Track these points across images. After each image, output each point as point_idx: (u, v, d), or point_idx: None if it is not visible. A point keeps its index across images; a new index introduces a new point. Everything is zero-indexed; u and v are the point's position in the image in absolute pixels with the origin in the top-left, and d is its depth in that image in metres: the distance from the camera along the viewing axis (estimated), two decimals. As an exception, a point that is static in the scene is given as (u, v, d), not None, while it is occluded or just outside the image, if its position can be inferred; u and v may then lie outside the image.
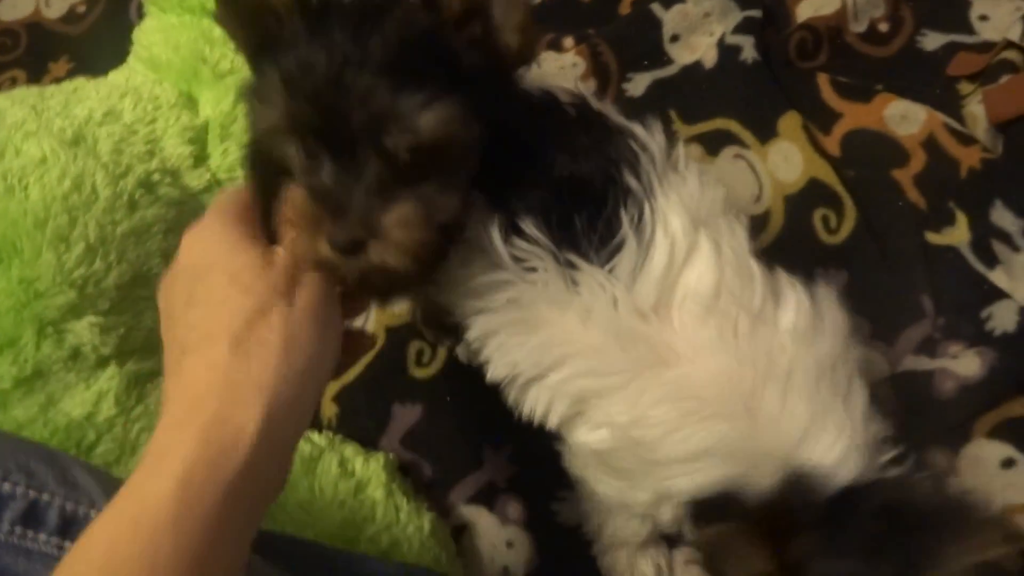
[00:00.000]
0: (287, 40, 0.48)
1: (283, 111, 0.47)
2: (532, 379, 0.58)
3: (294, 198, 0.48)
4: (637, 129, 0.60)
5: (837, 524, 0.49)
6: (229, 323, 0.43)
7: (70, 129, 0.85)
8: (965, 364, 0.79)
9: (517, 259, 0.55)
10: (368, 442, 0.84)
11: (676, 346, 0.53)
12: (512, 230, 0.55)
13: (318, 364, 0.46)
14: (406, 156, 0.46)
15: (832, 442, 0.51)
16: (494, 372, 0.60)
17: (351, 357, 0.64)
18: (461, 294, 0.61)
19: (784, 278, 0.57)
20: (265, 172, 0.52)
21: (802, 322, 0.54)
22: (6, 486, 0.50)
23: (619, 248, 0.54)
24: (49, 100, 0.90)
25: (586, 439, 0.59)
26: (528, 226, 0.54)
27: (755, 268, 0.56)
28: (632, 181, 0.55)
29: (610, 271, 0.54)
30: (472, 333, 0.61)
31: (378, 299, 0.59)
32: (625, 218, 0.54)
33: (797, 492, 0.50)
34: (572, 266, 0.54)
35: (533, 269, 0.55)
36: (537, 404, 0.59)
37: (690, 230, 0.54)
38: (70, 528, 0.50)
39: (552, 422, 0.59)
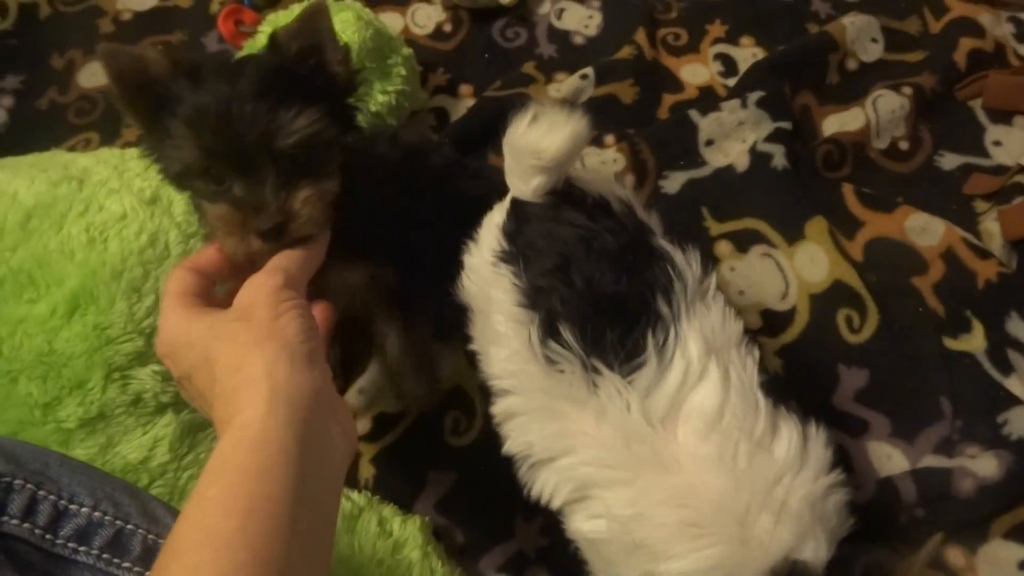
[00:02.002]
0: (176, 96, 0.61)
1: (195, 147, 0.60)
2: (543, 461, 0.63)
3: (216, 214, 0.61)
4: (677, 256, 0.67)
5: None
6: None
7: (148, 189, 0.91)
8: (983, 465, 0.82)
9: (550, 359, 0.61)
10: (403, 505, 0.86)
11: (679, 456, 0.57)
12: (550, 332, 0.62)
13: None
14: (291, 154, 0.61)
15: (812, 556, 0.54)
16: (509, 447, 0.66)
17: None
18: (495, 375, 0.68)
19: (783, 412, 0.61)
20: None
21: (794, 455, 0.58)
22: (96, 514, 0.53)
23: (641, 365, 0.59)
24: (129, 162, 0.96)
25: (582, 527, 0.62)
26: (565, 332, 0.61)
27: (760, 399, 0.60)
28: (664, 308, 0.62)
29: (630, 382, 0.59)
30: (496, 408, 0.67)
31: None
32: (651, 341, 0.60)
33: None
34: (596, 371, 0.60)
35: (562, 370, 0.61)
36: (545, 485, 0.63)
37: (704, 356, 0.60)
38: (150, 558, 0.53)
39: (556, 504, 0.63)
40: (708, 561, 0.54)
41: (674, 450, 0.57)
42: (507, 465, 0.89)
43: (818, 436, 0.59)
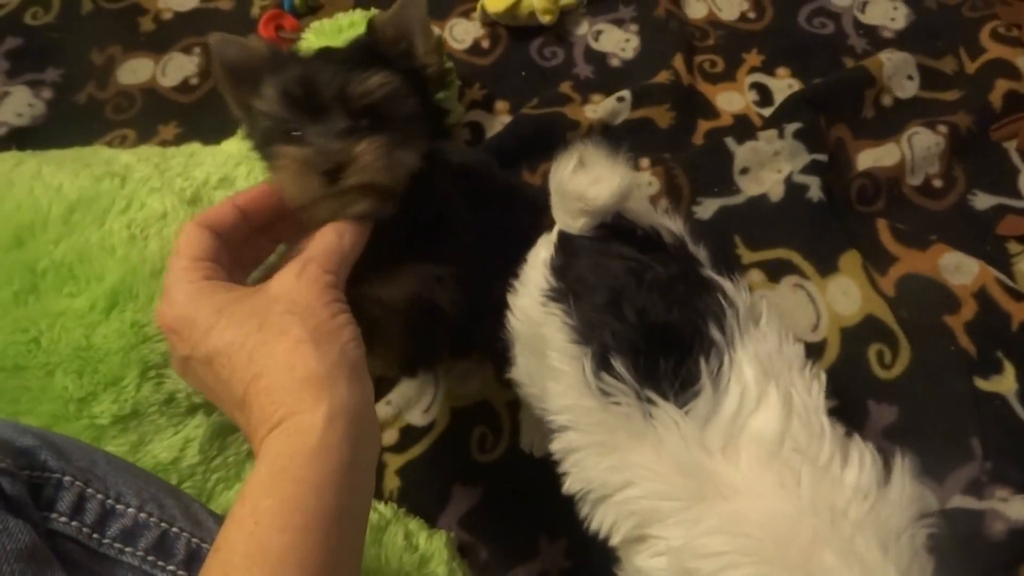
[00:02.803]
0: (274, 68, 0.64)
1: (278, 98, 0.62)
2: (602, 496, 0.61)
3: (288, 152, 0.62)
4: (727, 285, 0.66)
5: None
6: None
7: (189, 189, 0.92)
8: (1015, 508, 0.82)
9: (604, 392, 0.60)
10: (427, 518, 0.86)
11: (737, 484, 0.55)
12: (603, 365, 0.60)
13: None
14: (366, 110, 0.62)
15: None
16: (570, 485, 0.64)
17: None
18: (554, 410, 0.66)
19: (857, 441, 0.58)
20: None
21: (867, 484, 0.54)
22: (142, 515, 0.53)
23: (697, 394, 0.58)
24: (170, 160, 0.97)
25: (645, 564, 0.60)
26: (617, 364, 0.60)
27: (826, 425, 0.58)
28: (716, 334, 0.60)
29: (686, 412, 0.57)
30: (556, 446, 0.65)
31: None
32: (705, 369, 0.58)
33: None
34: (651, 402, 0.58)
35: (617, 402, 0.59)
36: (605, 520, 0.61)
37: (762, 380, 0.58)
38: (193, 562, 0.53)
39: (615, 540, 0.61)
40: None
41: (732, 477, 0.55)
42: (533, 484, 0.89)
43: (905, 465, 0.56)
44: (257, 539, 0.42)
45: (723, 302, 0.63)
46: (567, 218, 0.69)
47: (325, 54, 0.66)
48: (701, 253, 0.71)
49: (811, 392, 0.59)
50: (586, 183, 0.64)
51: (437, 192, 0.72)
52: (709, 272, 0.68)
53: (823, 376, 0.61)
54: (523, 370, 0.73)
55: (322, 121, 0.62)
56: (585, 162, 0.65)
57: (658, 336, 0.61)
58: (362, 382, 0.51)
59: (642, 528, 0.59)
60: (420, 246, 0.72)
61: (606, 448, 0.61)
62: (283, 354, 0.49)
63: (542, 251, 0.71)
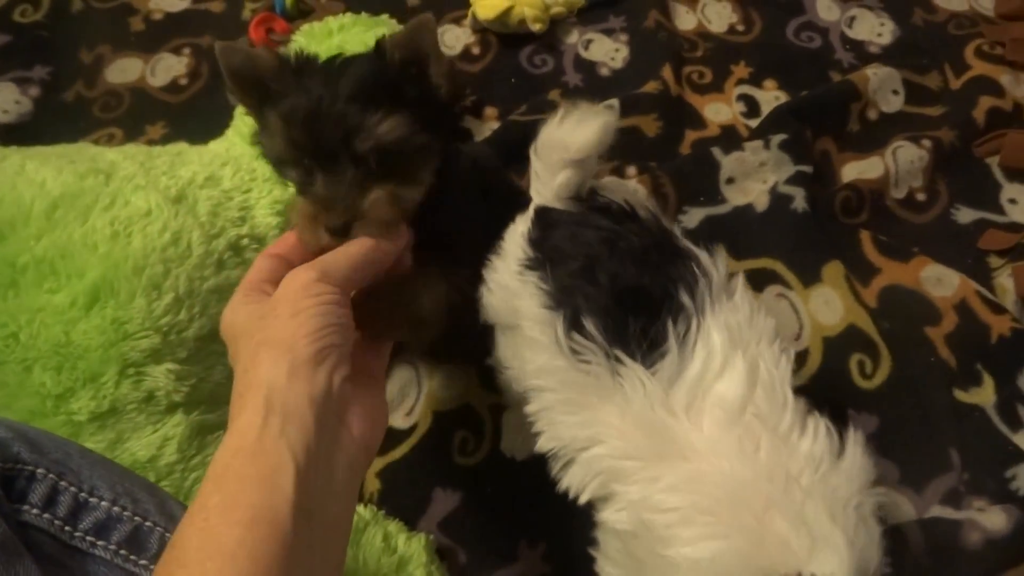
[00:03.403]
0: (279, 92, 0.64)
1: (285, 140, 0.63)
2: (571, 456, 0.63)
3: (298, 206, 0.64)
4: (703, 256, 0.68)
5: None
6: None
7: (174, 188, 0.91)
8: (992, 519, 0.82)
9: (574, 351, 0.62)
10: (407, 521, 0.86)
11: (697, 445, 0.57)
12: (574, 326, 0.62)
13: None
14: (373, 157, 0.62)
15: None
16: (542, 444, 0.66)
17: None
18: (528, 376, 0.68)
19: (817, 416, 0.60)
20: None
21: (820, 454, 0.56)
22: (115, 508, 0.52)
23: (663, 356, 0.59)
24: (156, 159, 0.96)
25: (610, 519, 0.62)
26: (588, 324, 0.61)
27: (790, 397, 0.59)
28: (686, 299, 0.62)
29: (652, 372, 0.59)
30: (531, 407, 0.67)
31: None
32: (672, 331, 0.60)
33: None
34: (619, 361, 0.60)
35: (587, 361, 0.61)
36: (573, 480, 0.63)
37: (728, 348, 0.60)
38: (167, 557, 0.52)
39: (584, 498, 0.63)
40: (718, 552, 0.53)
41: (694, 438, 0.56)
42: (514, 488, 0.89)
43: (857, 439, 0.58)
44: (208, 533, 0.43)
45: (696, 271, 0.64)
46: (545, 184, 0.70)
47: (332, 76, 0.64)
48: (674, 228, 0.72)
49: (778, 365, 0.61)
50: (568, 129, 0.67)
51: (454, 195, 0.73)
52: (685, 243, 0.69)
53: (792, 352, 0.63)
54: (502, 350, 0.74)
55: (329, 168, 0.63)
56: (568, 114, 0.67)
57: (628, 299, 0.62)
58: (311, 378, 0.50)
59: (607, 487, 0.60)
60: (440, 248, 0.72)
61: (576, 406, 0.62)
62: (245, 357, 0.52)
63: (520, 226, 0.72)
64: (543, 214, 0.70)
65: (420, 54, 0.65)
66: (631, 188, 0.76)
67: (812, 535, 0.52)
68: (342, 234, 0.61)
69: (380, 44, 0.66)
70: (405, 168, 0.65)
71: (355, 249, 0.60)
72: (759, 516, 0.53)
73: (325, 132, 0.61)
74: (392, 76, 0.65)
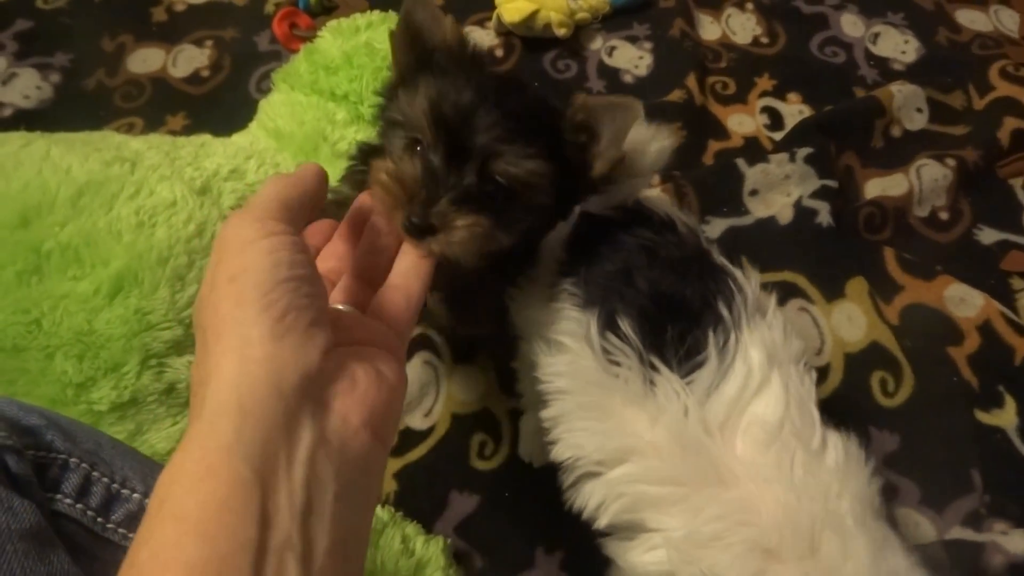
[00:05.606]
0: (442, 68, 0.61)
1: (430, 109, 0.58)
2: (592, 471, 0.60)
3: (401, 169, 0.57)
4: (737, 273, 0.67)
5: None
6: None
7: (199, 179, 0.91)
8: (1014, 542, 0.81)
9: (606, 351, 0.60)
10: (423, 524, 0.85)
11: (735, 469, 0.55)
12: (609, 326, 0.61)
13: None
14: (495, 180, 0.58)
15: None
16: (559, 452, 0.63)
17: None
18: (548, 378, 0.65)
19: (831, 429, 0.60)
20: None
21: (839, 463, 0.57)
22: (147, 500, 0.51)
23: (700, 364, 0.58)
24: (181, 150, 0.96)
25: (641, 559, 0.58)
26: (624, 325, 0.60)
27: (815, 413, 0.59)
28: (725, 312, 0.61)
29: (688, 383, 0.58)
30: (548, 412, 0.65)
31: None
32: (712, 340, 0.59)
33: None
34: (653, 368, 0.58)
35: (617, 363, 0.60)
36: (592, 498, 0.60)
37: (766, 366, 0.59)
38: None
39: (602, 522, 0.60)
40: None
41: (730, 460, 0.55)
42: (532, 494, 0.88)
43: (854, 445, 0.59)
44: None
45: (733, 286, 0.64)
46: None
47: (507, 85, 0.62)
48: (712, 246, 0.72)
49: (803, 383, 0.60)
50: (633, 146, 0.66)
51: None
52: (721, 259, 0.68)
53: (814, 374, 0.62)
54: (526, 355, 0.73)
55: (453, 166, 0.57)
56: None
57: (667, 303, 0.62)
58: (279, 364, 0.37)
59: (633, 512, 0.58)
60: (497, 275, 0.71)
61: (601, 412, 0.60)
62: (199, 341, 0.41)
63: (560, 231, 0.72)
64: (586, 220, 0.70)
65: (600, 131, 0.61)
66: (670, 202, 0.76)
67: (853, 540, 0.52)
68: (419, 234, 0.54)
69: (573, 99, 0.61)
70: (510, 213, 0.60)
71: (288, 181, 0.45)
72: (809, 538, 0.52)
73: (470, 129, 0.57)
74: (560, 128, 0.61)
